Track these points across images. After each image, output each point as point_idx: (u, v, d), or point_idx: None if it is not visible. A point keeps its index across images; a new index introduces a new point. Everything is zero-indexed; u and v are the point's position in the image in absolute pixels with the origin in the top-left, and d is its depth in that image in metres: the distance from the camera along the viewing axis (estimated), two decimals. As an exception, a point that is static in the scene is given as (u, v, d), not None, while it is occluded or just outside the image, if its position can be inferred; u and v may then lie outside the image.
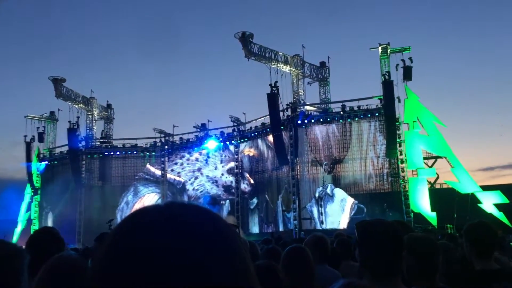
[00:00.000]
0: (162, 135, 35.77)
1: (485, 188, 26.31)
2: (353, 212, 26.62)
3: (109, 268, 0.59)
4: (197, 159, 34.10)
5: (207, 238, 0.61)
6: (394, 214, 23.92)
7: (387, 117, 25.47)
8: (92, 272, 0.61)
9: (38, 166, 36.78)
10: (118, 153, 35.76)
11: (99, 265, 0.61)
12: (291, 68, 31.48)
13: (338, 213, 27.02)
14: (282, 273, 2.87)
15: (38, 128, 36.43)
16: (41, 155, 37.05)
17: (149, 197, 35.00)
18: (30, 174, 35.84)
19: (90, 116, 37.25)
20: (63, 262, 1.75)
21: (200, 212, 0.65)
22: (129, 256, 0.58)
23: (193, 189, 34.11)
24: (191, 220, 0.63)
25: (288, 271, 3.07)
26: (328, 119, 28.46)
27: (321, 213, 27.37)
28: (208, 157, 33.53)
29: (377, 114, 27.14)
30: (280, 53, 30.95)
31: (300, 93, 31.61)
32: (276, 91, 27.47)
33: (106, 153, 35.70)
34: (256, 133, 31.37)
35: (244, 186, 32.12)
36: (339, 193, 27.42)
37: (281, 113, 28.40)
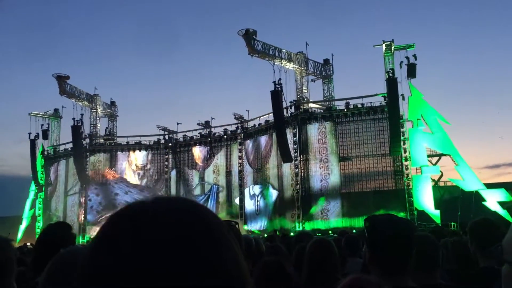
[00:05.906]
0: (166, 133, 35.82)
1: (489, 185, 26.24)
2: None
3: (93, 269, 0.60)
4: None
5: (192, 233, 0.61)
6: (396, 212, 23.87)
7: (391, 114, 25.37)
8: (79, 273, 0.62)
9: (42, 163, 36.94)
10: (122, 150, 35.86)
11: (86, 265, 0.61)
12: (295, 66, 31.41)
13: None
14: (290, 268, 2.91)
15: (42, 125, 36.52)
16: (45, 152, 37.20)
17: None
18: (34, 171, 35.98)
19: (94, 114, 37.32)
20: (70, 254, 1.80)
21: (186, 205, 0.65)
22: (112, 256, 0.59)
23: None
24: (176, 214, 0.63)
25: (313, 263, 3.18)
26: (332, 117, 28.43)
27: (327, 210, 27.39)
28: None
29: (381, 111, 27.09)
30: (284, 51, 30.87)
31: (304, 91, 31.53)
32: (279, 89, 27.41)
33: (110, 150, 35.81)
34: (259, 131, 31.36)
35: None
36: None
37: (284, 111, 28.37)
